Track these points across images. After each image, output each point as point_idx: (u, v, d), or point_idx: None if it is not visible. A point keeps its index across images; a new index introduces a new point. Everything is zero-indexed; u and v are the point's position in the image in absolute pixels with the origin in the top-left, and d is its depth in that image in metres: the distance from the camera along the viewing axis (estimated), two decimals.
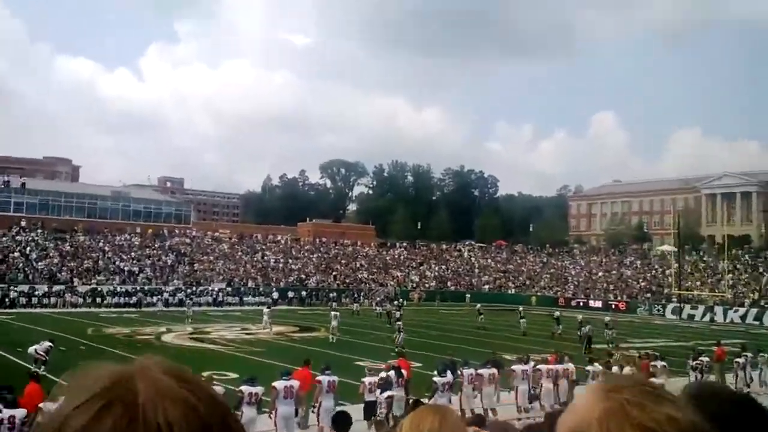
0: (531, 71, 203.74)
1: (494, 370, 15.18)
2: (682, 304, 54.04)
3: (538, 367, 16.36)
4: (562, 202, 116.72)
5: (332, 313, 31.37)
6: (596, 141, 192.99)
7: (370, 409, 12.56)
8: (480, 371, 14.97)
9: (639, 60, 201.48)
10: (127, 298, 46.59)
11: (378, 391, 12.20)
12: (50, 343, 20.10)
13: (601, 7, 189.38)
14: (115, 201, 65.21)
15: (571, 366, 16.77)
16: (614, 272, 68.56)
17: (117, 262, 53.30)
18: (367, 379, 13.41)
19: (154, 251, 57.47)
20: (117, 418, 0.60)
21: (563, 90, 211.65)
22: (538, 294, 62.94)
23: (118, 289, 47.98)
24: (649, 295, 59.89)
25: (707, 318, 50.88)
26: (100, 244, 55.71)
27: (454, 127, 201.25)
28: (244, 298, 51.32)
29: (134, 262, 54.26)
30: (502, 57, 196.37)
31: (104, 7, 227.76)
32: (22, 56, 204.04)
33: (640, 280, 64.84)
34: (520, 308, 37.76)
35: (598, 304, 57.45)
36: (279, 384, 12.11)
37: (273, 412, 11.97)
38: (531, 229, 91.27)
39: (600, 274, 68.60)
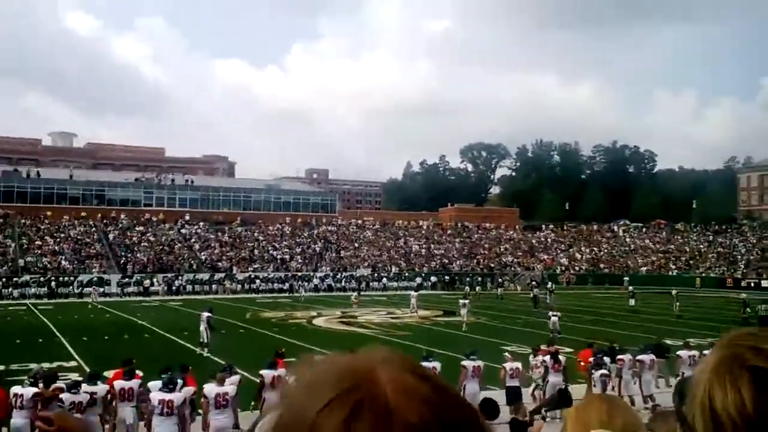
0: (693, 33, 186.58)
1: (653, 356, 14.26)
2: None
3: (704, 352, 14.71)
4: (729, 175, 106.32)
5: (461, 301, 29.63)
6: None
7: (512, 395, 12.23)
8: (640, 357, 14.19)
9: None
10: (280, 284, 48.94)
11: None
12: (209, 313, 21.35)
13: None
14: (267, 194, 68.74)
15: None
16: None
17: (270, 251, 56.12)
18: (507, 365, 13.17)
19: (304, 240, 59.86)
20: (371, 424, 0.56)
21: (729, 52, 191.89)
22: (703, 275, 57.85)
23: (272, 275, 50.53)
24: None
25: None
26: (255, 234, 58.96)
27: (607, 102, 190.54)
28: (389, 283, 51.92)
29: (286, 250, 56.84)
30: (660, 21, 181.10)
31: (251, 9, 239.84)
32: (182, 63, 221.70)
33: None
34: (674, 291, 35.54)
35: None
36: (468, 363, 12.79)
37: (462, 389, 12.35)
38: (694, 206, 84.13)
39: None
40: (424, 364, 12.21)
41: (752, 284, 52.32)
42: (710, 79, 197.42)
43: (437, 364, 12.53)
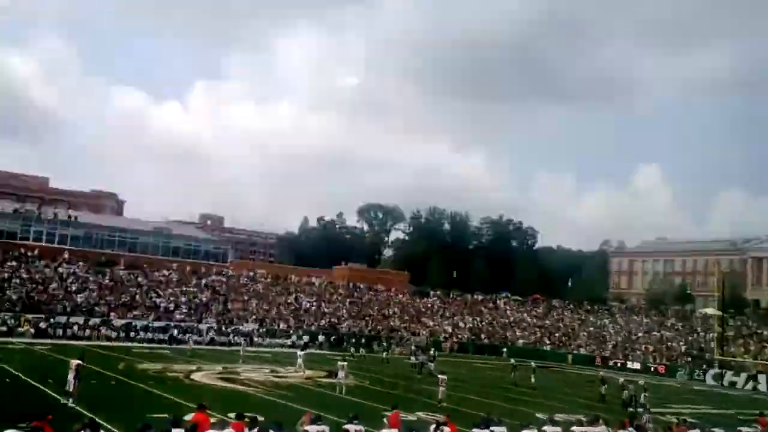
0: (575, 120, 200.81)
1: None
2: (723, 371, 51.99)
3: (572, 429, 15.81)
4: (602, 257, 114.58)
5: (339, 363, 28.87)
6: (640, 195, 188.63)
7: None
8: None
9: (687, 113, 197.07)
10: (160, 334, 47.06)
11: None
12: (80, 361, 20.27)
13: (650, 56, 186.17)
14: (156, 237, 66.34)
15: (603, 429, 16.09)
16: (655, 333, 66.62)
17: (153, 298, 53.99)
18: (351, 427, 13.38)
19: (191, 288, 58.10)
20: None
21: (608, 140, 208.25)
22: (574, 352, 61.35)
23: (152, 324, 48.51)
24: (689, 359, 57.86)
25: (750, 386, 48.84)
26: (139, 279, 56.61)
27: (494, 175, 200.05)
28: (275, 340, 51.21)
29: (170, 298, 54.88)
30: (547, 104, 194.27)
31: (156, 38, 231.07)
32: (76, 86, 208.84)
33: (681, 343, 62.80)
34: (533, 363, 38.63)
35: (637, 365, 55.75)
36: (350, 427, 13.03)
37: None
38: (570, 285, 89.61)
39: (640, 334, 66.72)
40: (314, 427, 12.61)
41: (619, 364, 56.13)
42: (588, 165, 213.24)
43: (326, 428, 12.75)
